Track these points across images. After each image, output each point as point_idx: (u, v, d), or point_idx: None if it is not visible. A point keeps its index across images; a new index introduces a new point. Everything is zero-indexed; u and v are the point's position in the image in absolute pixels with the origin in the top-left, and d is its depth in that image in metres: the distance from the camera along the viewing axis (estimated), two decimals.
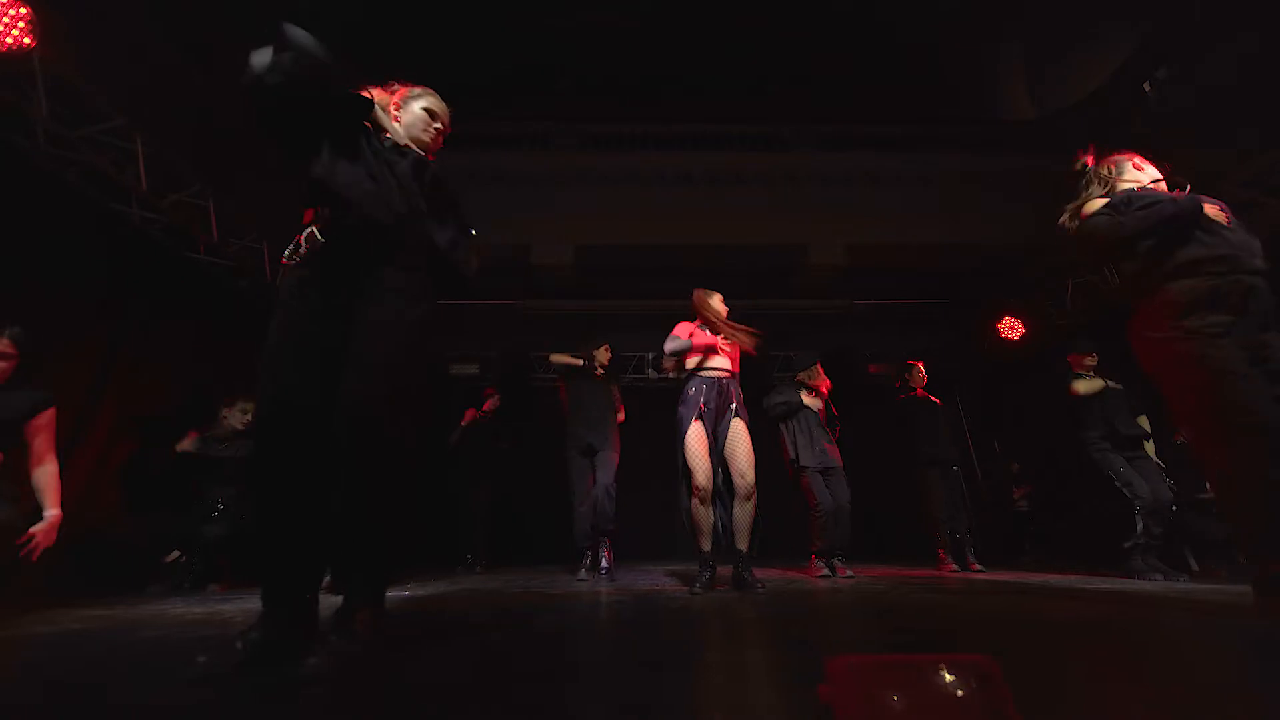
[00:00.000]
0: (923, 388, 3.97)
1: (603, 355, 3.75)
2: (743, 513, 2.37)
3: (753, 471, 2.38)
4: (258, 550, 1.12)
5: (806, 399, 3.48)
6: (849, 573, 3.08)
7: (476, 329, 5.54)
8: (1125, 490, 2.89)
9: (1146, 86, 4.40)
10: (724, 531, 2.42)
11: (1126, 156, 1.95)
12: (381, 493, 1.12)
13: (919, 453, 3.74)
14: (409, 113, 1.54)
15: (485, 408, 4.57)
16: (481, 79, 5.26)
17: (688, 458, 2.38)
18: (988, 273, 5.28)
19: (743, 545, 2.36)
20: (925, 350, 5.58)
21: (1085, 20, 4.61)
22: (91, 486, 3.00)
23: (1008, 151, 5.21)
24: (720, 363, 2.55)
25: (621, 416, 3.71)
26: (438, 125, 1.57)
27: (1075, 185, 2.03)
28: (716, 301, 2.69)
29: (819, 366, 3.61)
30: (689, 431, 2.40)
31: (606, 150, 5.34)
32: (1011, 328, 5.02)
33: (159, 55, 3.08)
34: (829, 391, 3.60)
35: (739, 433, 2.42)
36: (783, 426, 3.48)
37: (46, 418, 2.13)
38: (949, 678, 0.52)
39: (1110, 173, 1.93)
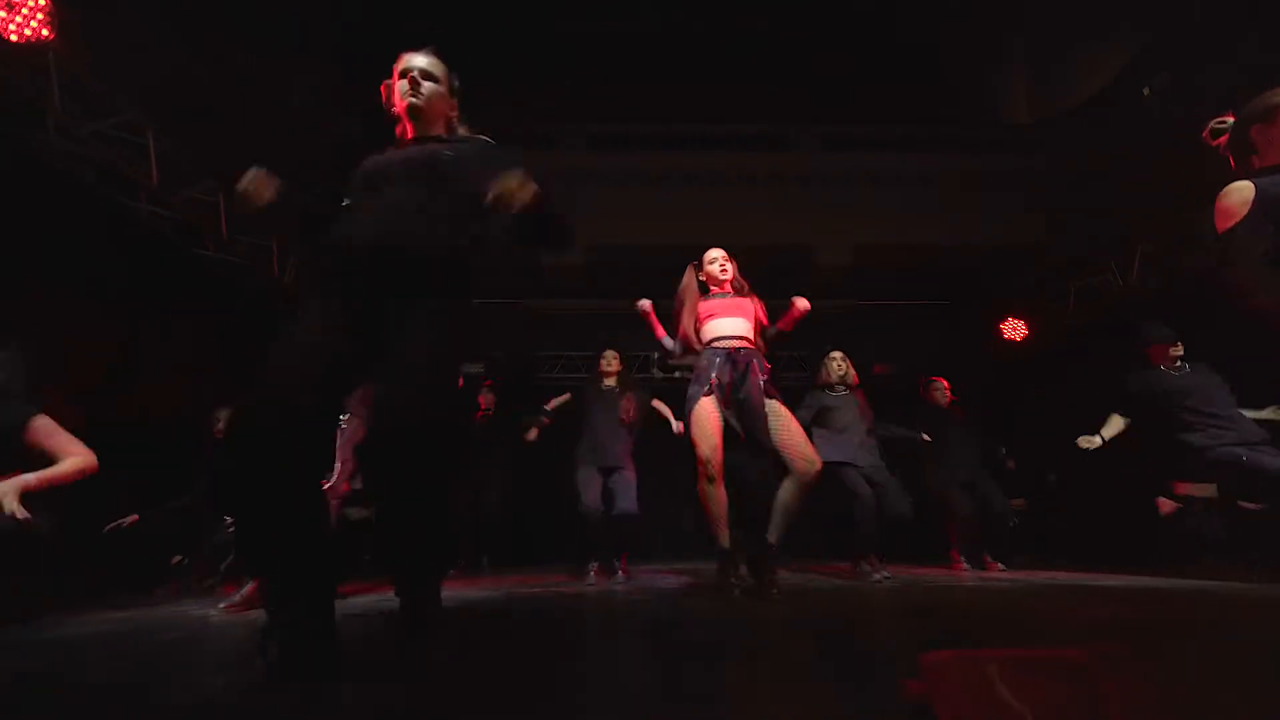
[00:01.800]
0: (948, 402, 3.84)
1: (608, 363, 3.43)
2: (791, 495, 2.09)
3: (817, 455, 2.10)
4: (251, 547, 1.08)
5: (831, 397, 3.34)
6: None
7: (482, 328, 5.53)
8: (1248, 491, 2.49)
9: (1146, 91, 4.45)
10: (742, 519, 2.12)
11: None
12: (423, 492, 1.07)
13: (943, 471, 3.61)
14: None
15: (479, 399, 4.47)
16: (484, 78, 5.24)
17: (692, 431, 2.09)
18: (991, 274, 5.33)
19: (773, 536, 2.08)
20: (927, 351, 5.62)
21: (1089, 20, 4.64)
22: (97, 487, 2.97)
23: (1011, 152, 5.25)
24: (731, 328, 2.20)
25: (631, 415, 3.32)
26: (411, 76, 1.30)
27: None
28: (708, 260, 2.37)
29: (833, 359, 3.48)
30: (697, 406, 2.10)
31: (611, 150, 5.35)
32: (1014, 329, 5.07)
33: (171, 50, 3.04)
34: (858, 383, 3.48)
35: (781, 417, 2.11)
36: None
37: (42, 423, 1.96)
38: (1051, 672, 0.52)
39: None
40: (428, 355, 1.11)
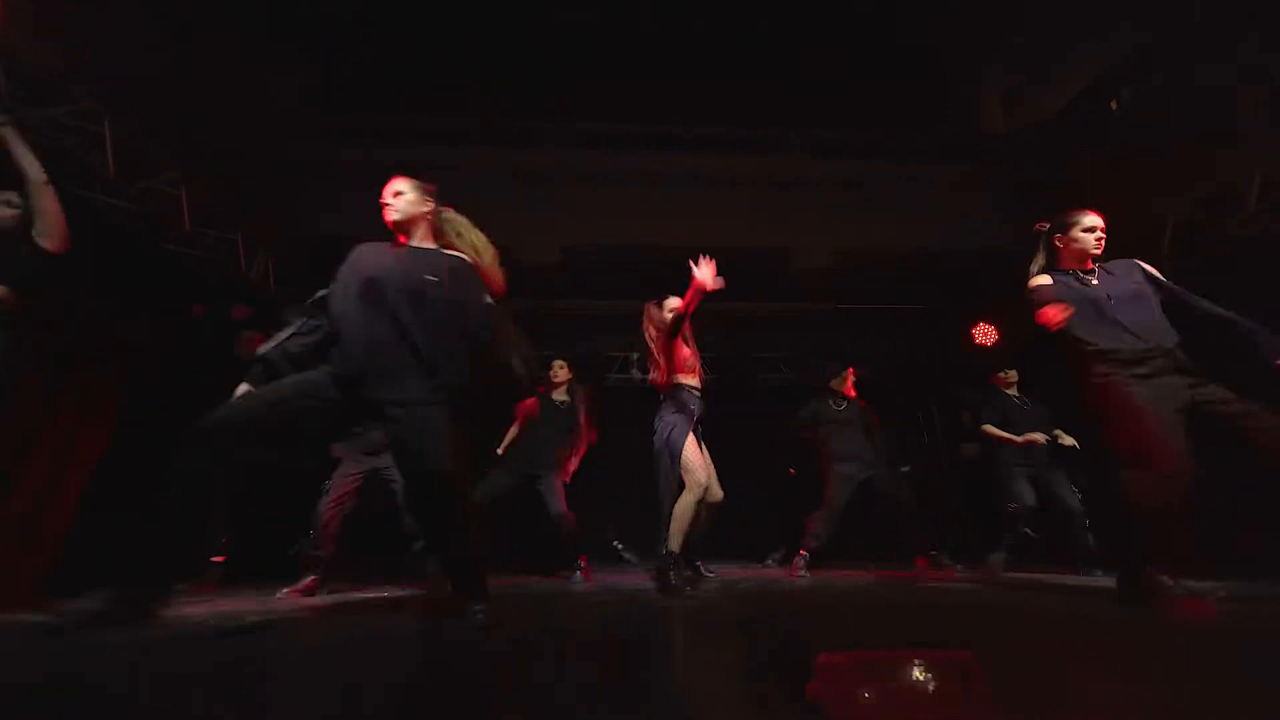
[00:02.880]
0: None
1: (555, 374, 3.43)
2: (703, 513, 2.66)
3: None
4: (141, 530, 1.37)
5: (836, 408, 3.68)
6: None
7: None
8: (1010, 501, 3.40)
9: (1113, 105, 4.53)
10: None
11: (1078, 213, 2.00)
12: (447, 533, 1.56)
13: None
14: None
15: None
16: (474, 77, 5.18)
17: (692, 464, 2.58)
18: (964, 279, 5.43)
19: (675, 546, 2.53)
20: (901, 355, 5.69)
21: (1077, 29, 4.64)
22: (51, 485, 2.86)
23: (991, 159, 5.32)
24: (695, 380, 2.81)
25: (592, 437, 3.39)
26: (384, 199, 1.74)
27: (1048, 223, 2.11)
28: (668, 308, 2.83)
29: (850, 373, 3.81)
30: (688, 444, 2.62)
31: (594, 149, 5.33)
32: (985, 334, 5.17)
33: (131, 31, 2.94)
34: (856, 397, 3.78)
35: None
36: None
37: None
38: (930, 672, 0.53)
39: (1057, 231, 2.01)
40: (424, 451, 1.48)
